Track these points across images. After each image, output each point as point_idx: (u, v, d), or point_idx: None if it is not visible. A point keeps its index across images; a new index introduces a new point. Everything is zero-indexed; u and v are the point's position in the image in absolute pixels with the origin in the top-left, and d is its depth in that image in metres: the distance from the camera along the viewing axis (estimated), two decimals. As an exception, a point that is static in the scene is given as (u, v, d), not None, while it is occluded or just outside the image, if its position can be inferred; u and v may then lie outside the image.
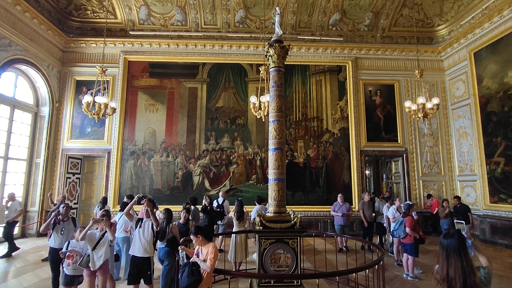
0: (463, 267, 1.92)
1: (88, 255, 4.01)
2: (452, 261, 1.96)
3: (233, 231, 6.31)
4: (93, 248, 4.03)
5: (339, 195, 8.37)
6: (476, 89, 9.81)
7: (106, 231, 4.20)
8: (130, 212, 4.68)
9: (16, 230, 9.21)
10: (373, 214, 8.31)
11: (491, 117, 9.32)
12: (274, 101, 5.16)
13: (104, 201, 7.46)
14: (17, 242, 8.65)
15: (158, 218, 4.69)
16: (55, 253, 4.55)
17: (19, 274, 5.96)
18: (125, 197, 7.13)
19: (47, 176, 10.02)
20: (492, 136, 9.28)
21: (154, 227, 4.44)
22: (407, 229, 5.81)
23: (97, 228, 4.29)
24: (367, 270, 4.14)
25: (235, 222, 6.43)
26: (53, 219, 4.62)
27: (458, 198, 8.79)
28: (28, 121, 9.92)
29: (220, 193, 8.71)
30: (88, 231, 4.16)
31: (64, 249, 4.09)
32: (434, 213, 9.76)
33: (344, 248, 7.81)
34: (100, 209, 5.89)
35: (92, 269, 4.02)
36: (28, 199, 9.65)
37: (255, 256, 7.89)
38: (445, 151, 11.00)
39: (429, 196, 10.35)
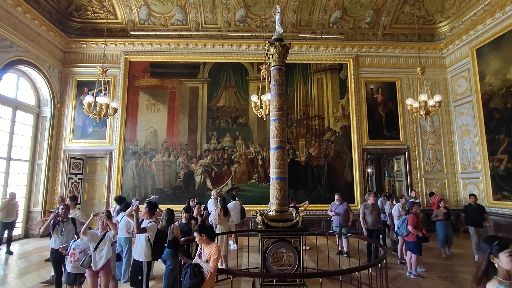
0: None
1: (90, 256, 4.01)
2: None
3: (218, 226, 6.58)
4: (95, 248, 4.04)
5: (336, 195, 7.80)
6: (479, 86, 9.75)
7: (107, 231, 4.20)
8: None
9: (20, 231, 9.28)
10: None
11: (494, 114, 9.26)
12: (275, 100, 5.15)
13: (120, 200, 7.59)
14: (20, 243, 8.75)
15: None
16: (56, 254, 4.56)
17: (22, 275, 5.98)
18: (114, 203, 7.25)
19: (50, 177, 10.05)
20: (495, 133, 9.23)
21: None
22: (409, 227, 5.79)
23: (98, 228, 4.30)
24: (370, 269, 4.13)
25: (221, 217, 6.63)
26: (52, 220, 4.62)
27: (474, 196, 7.51)
28: (30, 122, 9.94)
29: (213, 192, 8.63)
30: (90, 231, 4.17)
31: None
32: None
33: (344, 254, 7.28)
34: (120, 208, 5.89)
35: (94, 269, 4.02)
36: (30, 200, 9.68)
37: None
38: (448, 148, 10.95)
39: (431, 194, 10.32)
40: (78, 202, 10.63)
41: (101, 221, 4.29)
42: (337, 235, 7.57)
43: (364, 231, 6.66)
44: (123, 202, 6.02)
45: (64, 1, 10.30)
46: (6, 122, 8.99)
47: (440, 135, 11.04)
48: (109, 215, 4.60)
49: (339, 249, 7.50)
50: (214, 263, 3.38)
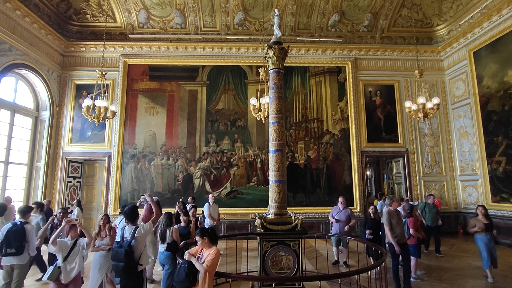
0: None
1: (59, 267, 3.66)
2: None
3: None
4: (64, 259, 3.70)
5: (340, 198, 7.16)
6: (476, 89, 9.80)
7: (77, 239, 3.89)
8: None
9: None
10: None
11: (492, 116, 9.30)
12: (274, 103, 5.16)
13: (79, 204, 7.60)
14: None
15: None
16: (54, 257, 4.53)
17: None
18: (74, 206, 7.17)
19: (48, 181, 10.01)
20: (493, 135, 9.26)
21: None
22: (411, 230, 5.78)
23: (67, 236, 3.95)
24: (369, 272, 4.12)
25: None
26: (50, 224, 4.61)
27: None
28: (28, 126, 9.92)
29: (210, 196, 8.39)
30: (59, 239, 3.78)
31: None
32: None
33: (343, 264, 6.72)
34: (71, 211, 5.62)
35: (64, 282, 3.65)
36: (29, 204, 9.62)
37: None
38: (446, 151, 10.98)
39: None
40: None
41: (69, 227, 3.89)
42: (334, 244, 6.94)
43: (396, 247, 5.13)
44: (41, 208, 6.02)
45: (63, 4, 10.32)
46: (5, 125, 8.96)
47: (438, 138, 11.07)
48: (108, 219, 4.58)
49: (336, 258, 6.86)
50: (207, 264, 3.34)
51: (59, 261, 3.68)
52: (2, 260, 4.36)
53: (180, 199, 7.54)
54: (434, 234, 7.83)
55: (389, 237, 5.21)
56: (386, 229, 5.24)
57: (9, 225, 4.40)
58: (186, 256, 3.47)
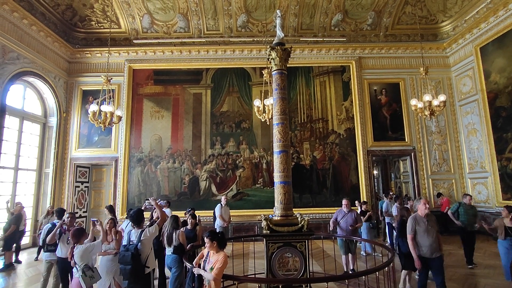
0: None
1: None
2: None
3: None
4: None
5: (344, 200, 6.43)
6: (484, 85, 9.65)
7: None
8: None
9: (28, 240, 9.37)
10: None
11: (500, 112, 9.14)
12: (277, 104, 5.15)
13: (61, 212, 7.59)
14: (28, 251, 8.81)
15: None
16: (62, 262, 4.58)
17: (31, 283, 6.02)
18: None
19: (56, 186, 10.16)
20: (502, 132, 9.09)
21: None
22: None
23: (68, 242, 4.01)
24: (377, 272, 4.07)
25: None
26: (58, 229, 4.67)
27: None
28: (36, 132, 10.09)
29: (222, 197, 8.36)
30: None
31: None
32: (444, 212, 9.58)
33: (350, 271, 6.11)
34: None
35: None
36: (38, 209, 9.78)
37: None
38: (454, 148, 10.82)
39: (439, 194, 10.19)
40: (85, 210, 10.73)
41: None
42: (342, 252, 6.27)
43: (416, 261, 4.25)
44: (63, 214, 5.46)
45: (68, 12, 10.48)
46: (14, 132, 9.12)
47: (446, 135, 10.92)
48: (114, 223, 4.62)
49: (345, 269, 6.23)
50: (216, 272, 3.31)
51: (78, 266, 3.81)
52: (43, 255, 5.11)
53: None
54: (469, 240, 6.58)
55: (411, 249, 4.34)
56: (408, 238, 4.35)
57: (48, 225, 5.13)
58: (194, 271, 3.51)
